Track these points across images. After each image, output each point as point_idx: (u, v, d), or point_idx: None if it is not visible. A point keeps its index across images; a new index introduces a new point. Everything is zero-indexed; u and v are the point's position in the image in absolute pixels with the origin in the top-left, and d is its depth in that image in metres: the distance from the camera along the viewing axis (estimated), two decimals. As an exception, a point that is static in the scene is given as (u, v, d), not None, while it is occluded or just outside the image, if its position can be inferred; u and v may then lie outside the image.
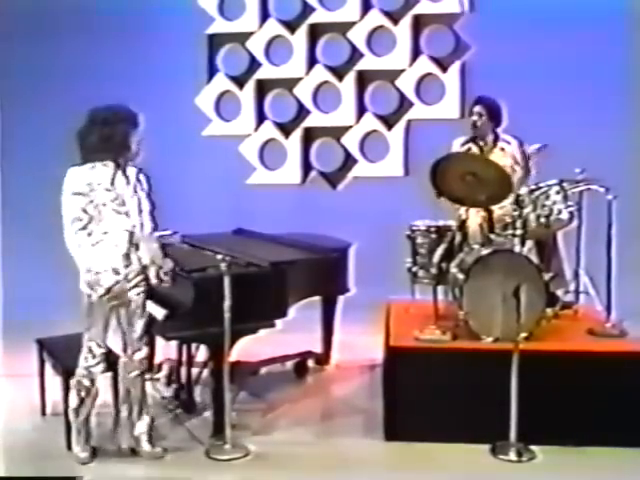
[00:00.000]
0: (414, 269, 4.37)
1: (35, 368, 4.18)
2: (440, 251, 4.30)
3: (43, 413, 4.17)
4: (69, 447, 3.70)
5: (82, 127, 3.54)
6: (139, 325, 3.57)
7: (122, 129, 3.51)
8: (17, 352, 4.70)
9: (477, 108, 4.66)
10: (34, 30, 6.65)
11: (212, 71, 6.90)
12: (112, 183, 3.43)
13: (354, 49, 6.69)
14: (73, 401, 3.59)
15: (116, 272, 3.47)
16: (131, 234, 3.45)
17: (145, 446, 3.66)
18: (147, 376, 3.76)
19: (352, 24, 6.65)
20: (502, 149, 4.64)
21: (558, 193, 4.28)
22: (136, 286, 3.52)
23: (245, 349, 3.98)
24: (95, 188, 3.44)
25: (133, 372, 3.60)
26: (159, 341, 4.50)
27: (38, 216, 6.82)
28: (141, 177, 3.49)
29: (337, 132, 6.75)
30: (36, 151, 6.64)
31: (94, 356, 3.57)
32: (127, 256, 3.46)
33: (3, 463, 3.61)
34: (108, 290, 3.49)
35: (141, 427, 3.64)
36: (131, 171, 3.47)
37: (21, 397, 4.35)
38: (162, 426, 4.01)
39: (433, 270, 4.26)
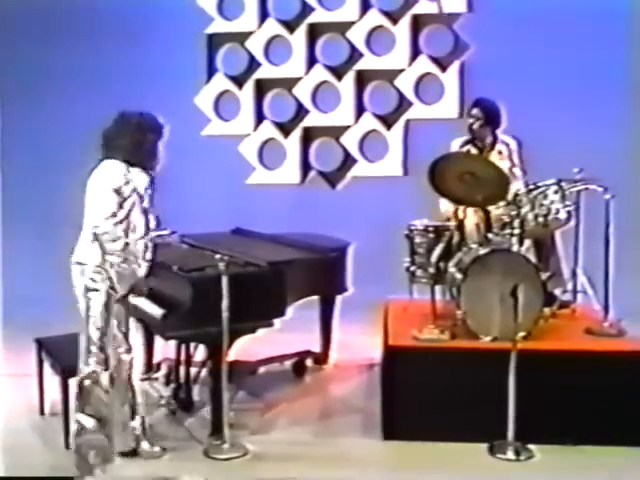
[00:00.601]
0: (412, 269, 4.36)
1: (34, 368, 4.19)
2: (438, 251, 4.29)
3: (41, 413, 4.17)
4: (67, 446, 3.71)
5: (111, 127, 3.59)
6: (129, 326, 3.60)
7: (152, 137, 3.59)
8: (17, 351, 4.70)
9: (474, 111, 4.64)
10: (34, 30, 6.66)
11: (211, 71, 6.90)
12: (144, 191, 3.51)
13: (353, 49, 6.69)
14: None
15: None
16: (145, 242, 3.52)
17: (144, 445, 3.67)
18: (144, 376, 3.75)
19: (351, 24, 6.65)
20: (500, 152, 4.62)
21: (556, 192, 4.28)
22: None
23: (243, 348, 3.99)
24: (134, 189, 3.49)
25: (127, 372, 3.60)
26: (158, 340, 4.52)
27: (38, 216, 6.87)
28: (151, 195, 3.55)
29: (336, 132, 6.76)
30: (36, 151, 6.65)
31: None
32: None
33: (2, 463, 3.61)
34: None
35: (137, 426, 3.65)
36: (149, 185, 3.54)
37: (20, 396, 4.35)
38: (161, 425, 4.02)
39: (431, 270, 4.25)
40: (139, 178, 3.52)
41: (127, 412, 3.64)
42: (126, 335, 3.60)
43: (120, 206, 3.44)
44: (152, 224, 3.57)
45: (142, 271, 3.51)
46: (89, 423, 3.45)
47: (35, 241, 6.36)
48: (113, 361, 3.54)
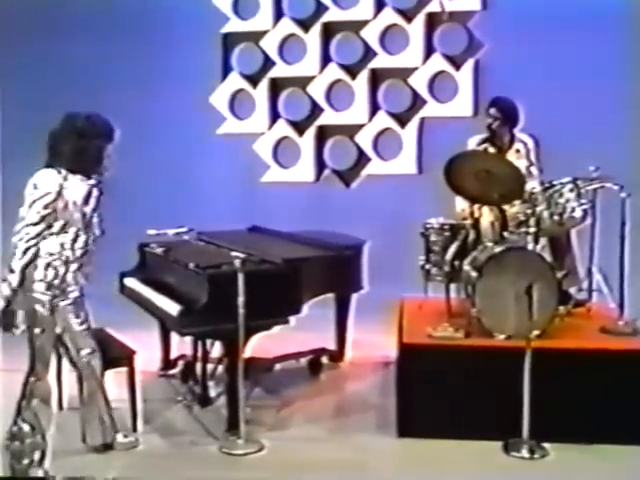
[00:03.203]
0: (427, 267, 4.39)
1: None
2: (453, 249, 4.31)
3: (60, 407, 4.19)
4: (84, 440, 3.73)
5: (56, 130, 3.48)
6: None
7: (97, 143, 3.45)
8: (18, 347, 4.67)
9: (492, 111, 4.62)
10: (39, 30, 6.65)
11: (226, 70, 6.95)
12: (83, 201, 3.42)
13: (367, 47, 6.71)
14: None
15: None
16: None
17: (119, 438, 3.69)
18: (161, 372, 3.71)
19: (365, 22, 6.67)
20: (517, 150, 4.61)
21: (572, 191, 4.28)
22: None
23: (260, 346, 4.01)
24: (70, 200, 3.39)
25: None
26: (174, 337, 4.56)
27: None
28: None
29: (350, 130, 6.78)
30: (37, 151, 6.61)
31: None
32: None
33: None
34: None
35: (107, 420, 3.67)
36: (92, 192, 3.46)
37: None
38: (177, 421, 4.06)
39: (446, 268, 4.27)
40: (77, 188, 3.41)
41: (102, 406, 3.63)
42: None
43: (44, 218, 3.33)
44: (96, 232, 3.49)
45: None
46: (26, 427, 3.40)
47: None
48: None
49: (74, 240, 3.43)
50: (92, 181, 3.46)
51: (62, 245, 3.40)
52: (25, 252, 3.33)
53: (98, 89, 6.45)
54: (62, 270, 3.41)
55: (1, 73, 6.46)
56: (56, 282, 3.40)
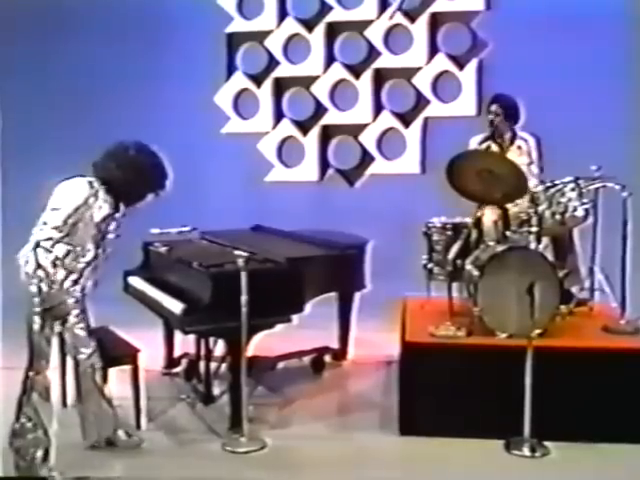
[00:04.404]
0: (430, 266, 4.40)
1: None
2: (456, 248, 4.32)
3: (64, 405, 4.22)
4: (84, 438, 3.73)
5: (121, 147, 3.49)
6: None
7: (142, 190, 3.51)
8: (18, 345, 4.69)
9: (493, 107, 4.65)
10: (40, 30, 6.68)
11: (231, 69, 6.99)
12: (100, 220, 3.45)
13: (371, 47, 6.74)
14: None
15: None
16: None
17: (120, 435, 3.71)
18: (165, 370, 3.73)
19: (369, 22, 6.69)
20: (519, 147, 4.64)
21: (573, 190, 4.29)
22: None
23: (263, 344, 4.03)
24: (91, 215, 3.42)
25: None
26: (178, 336, 4.59)
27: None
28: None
29: (354, 130, 6.81)
30: (37, 151, 6.66)
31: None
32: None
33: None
34: None
35: (110, 416, 3.71)
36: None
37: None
38: (181, 419, 4.08)
39: (448, 267, 4.28)
40: (101, 206, 3.43)
41: (98, 404, 3.65)
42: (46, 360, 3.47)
43: (65, 223, 3.33)
44: (108, 250, 3.49)
45: (60, 296, 3.36)
46: (28, 423, 3.40)
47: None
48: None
49: (82, 253, 3.44)
50: (121, 210, 3.50)
51: (68, 253, 3.42)
52: (49, 252, 3.33)
53: (100, 89, 6.49)
54: (61, 275, 3.40)
55: (1, 73, 6.49)
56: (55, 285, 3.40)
